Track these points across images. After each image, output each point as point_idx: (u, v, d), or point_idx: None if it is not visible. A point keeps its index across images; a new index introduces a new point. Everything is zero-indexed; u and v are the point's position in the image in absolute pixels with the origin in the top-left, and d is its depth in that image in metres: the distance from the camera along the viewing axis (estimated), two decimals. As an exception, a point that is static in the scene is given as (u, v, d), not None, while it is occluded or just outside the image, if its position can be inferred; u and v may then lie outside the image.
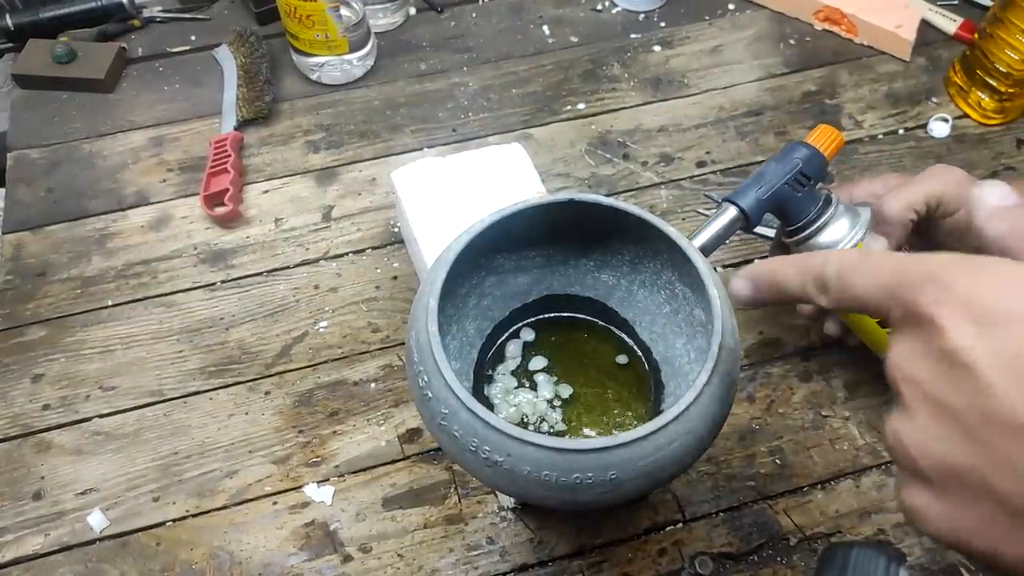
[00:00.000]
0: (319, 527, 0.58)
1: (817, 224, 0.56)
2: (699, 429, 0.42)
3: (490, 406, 0.53)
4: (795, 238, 0.57)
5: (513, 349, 0.56)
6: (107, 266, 0.72)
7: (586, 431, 0.53)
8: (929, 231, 0.55)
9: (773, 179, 0.55)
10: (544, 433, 0.51)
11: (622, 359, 0.55)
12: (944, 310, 0.27)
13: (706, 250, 0.55)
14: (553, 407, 0.54)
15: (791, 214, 0.56)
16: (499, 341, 0.57)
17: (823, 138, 0.59)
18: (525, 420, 0.53)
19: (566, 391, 0.54)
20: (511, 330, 0.57)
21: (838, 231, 0.56)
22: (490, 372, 0.55)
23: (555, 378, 0.55)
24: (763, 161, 0.77)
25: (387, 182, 0.75)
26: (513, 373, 0.55)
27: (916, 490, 0.30)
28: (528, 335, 0.56)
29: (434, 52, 0.87)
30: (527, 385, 0.54)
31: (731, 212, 0.55)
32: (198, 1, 0.91)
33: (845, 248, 0.55)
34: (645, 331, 0.56)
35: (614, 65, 0.86)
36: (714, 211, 0.56)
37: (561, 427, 0.53)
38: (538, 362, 0.55)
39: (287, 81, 0.85)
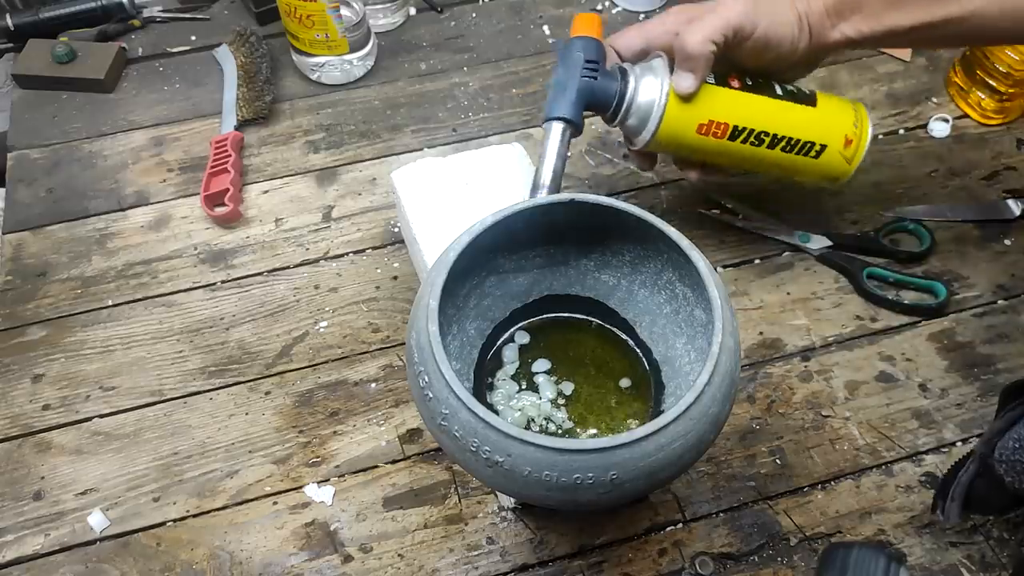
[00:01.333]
0: (319, 527, 0.58)
1: (627, 95, 0.57)
2: (699, 429, 0.42)
3: (494, 413, 0.53)
4: (618, 118, 0.58)
5: (510, 354, 0.56)
6: (107, 266, 0.72)
7: (591, 431, 0.53)
8: (731, 53, 0.56)
9: (570, 80, 0.57)
10: (552, 433, 0.51)
11: (625, 383, 0.55)
12: None
13: (557, 173, 0.57)
14: (557, 406, 0.54)
15: (602, 100, 0.58)
16: (499, 341, 0.57)
17: (584, 24, 0.60)
18: (531, 422, 0.53)
19: (568, 388, 0.54)
20: (508, 332, 0.57)
21: (649, 90, 0.57)
22: (491, 379, 0.55)
23: (555, 378, 0.55)
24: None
25: (387, 182, 0.75)
26: (513, 377, 0.55)
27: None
28: (523, 338, 0.56)
29: (434, 52, 0.87)
30: (528, 388, 0.54)
31: (558, 127, 0.57)
32: (198, 1, 0.91)
33: (662, 101, 0.57)
34: (645, 331, 0.56)
35: (614, 65, 0.86)
36: (543, 137, 0.58)
37: (568, 424, 0.53)
38: (541, 365, 0.55)
39: (287, 81, 0.85)
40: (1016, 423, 0.49)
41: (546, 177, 0.56)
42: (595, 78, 0.57)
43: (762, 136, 0.59)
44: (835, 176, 0.63)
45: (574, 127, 0.57)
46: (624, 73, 0.58)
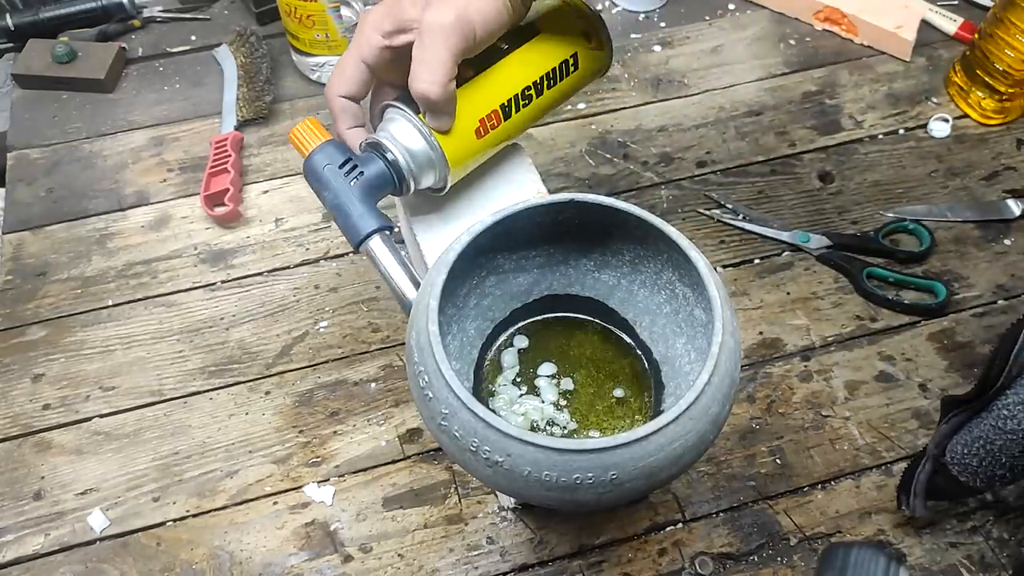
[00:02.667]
0: (319, 527, 0.58)
1: (400, 163, 0.52)
2: (699, 429, 0.42)
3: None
4: (411, 185, 0.53)
5: (509, 359, 0.56)
6: (107, 266, 0.72)
7: (593, 432, 0.53)
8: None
9: (343, 194, 0.51)
10: (556, 436, 0.51)
11: (619, 392, 0.55)
12: None
13: (414, 279, 0.51)
14: (559, 409, 0.54)
15: (382, 186, 0.52)
16: (498, 343, 0.57)
17: (307, 135, 0.54)
18: (535, 426, 0.53)
19: (568, 384, 0.54)
20: (507, 335, 0.57)
21: (412, 142, 0.52)
22: (491, 386, 0.55)
23: (556, 380, 0.55)
24: (762, 161, 0.78)
25: (387, 182, 0.75)
26: (514, 382, 0.55)
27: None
28: (522, 342, 0.56)
29: (434, 52, 0.87)
30: (530, 392, 0.54)
31: (376, 242, 0.51)
32: (198, 1, 0.91)
33: (432, 140, 0.52)
34: (645, 331, 0.56)
35: (614, 65, 0.86)
36: (372, 260, 0.52)
37: (572, 426, 0.53)
38: (547, 368, 0.55)
39: (287, 81, 0.85)
40: (960, 429, 0.53)
41: (408, 289, 0.51)
42: (361, 173, 0.51)
43: (527, 93, 0.56)
44: (601, 67, 0.61)
45: (388, 229, 0.52)
46: (378, 145, 0.52)
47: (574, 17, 0.59)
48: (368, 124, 0.55)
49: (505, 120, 0.56)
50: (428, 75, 0.49)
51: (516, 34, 0.56)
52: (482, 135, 0.55)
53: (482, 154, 0.57)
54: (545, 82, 0.57)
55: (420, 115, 0.52)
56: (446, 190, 0.56)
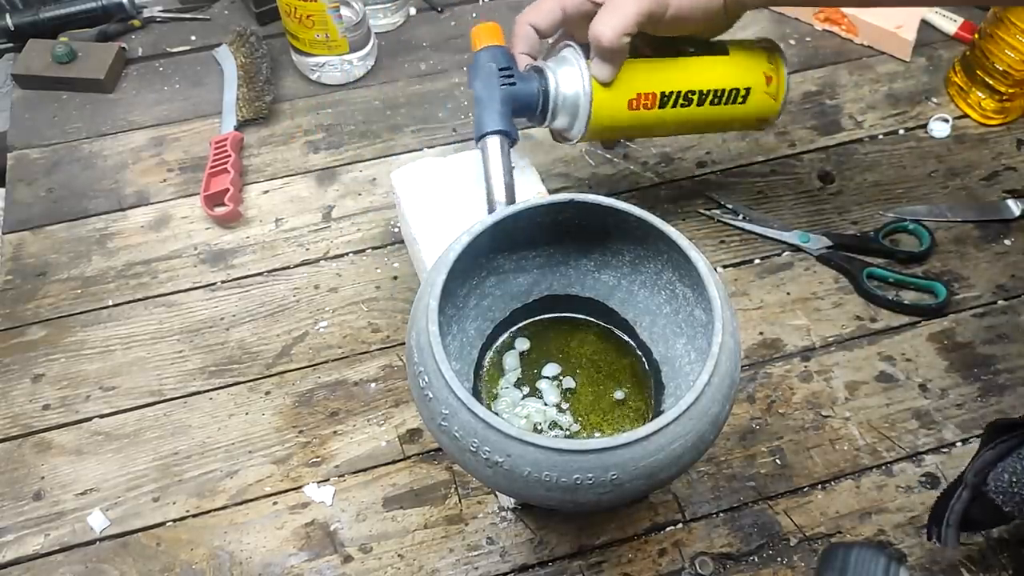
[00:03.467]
0: (319, 527, 0.58)
1: (551, 91, 0.56)
2: (699, 429, 0.42)
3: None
4: (548, 117, 0.58)
5: (511, 361, 0.56)
6: (107, 266, 0.72)
7: (595, 432, 0.53)
8: (645, 31, 0.55)
9: (490, 92, 0.56)
10: (558, 438, 0.51)
11: (619, 393, 0.55)
12: None
13: (509, 186, 0.56)
14: (561, 411, 0.54)
15: (527, 103, 0.57)
16: (498, 343, 0.57)
17: (486, 35, 0.58)
18: (538, 429, 0.53)
19: (569, 383, 0.54)
20: (507, 335, 0.57)
21: (570, 81, 0.56)
22: (494, 389, 0.55)
23: (558, 380, 0.55)
24: (762, 161, 0.78)
25: (387, 182, 0.75)
26: (516, 385, 0.55)
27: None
28: (523, 345, 0.56)
29: (434, 52, 0.87)
30: (532, 394, 0.54)
31: (494, 140, 0.56)
32: (198, 1, 0.91)
33: (587, 89, 0.56)
34: (645, 331, 0.56)
35: (614, 65, 0.86)
36: (480, 155, 0.57)
37: (575, 427, 0.53)
38: (551, 369, 0.55)
39: (287, 81, 0.85)
40: (1008, 455, 0.49)
41: (499, 194, 0.55)
42: (513, 83, 0.56)
43: (690, 96, 0.59)
44: (765, 116, 0.63)
45: (509, 137, 0.56)
46: (540, 71, 0.57)
47: (764, 59, 0.61)
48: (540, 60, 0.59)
49: (659, 108, 0.58)
50: (609, 19, 0.53)
51: (706, 45, 0.60)
52: (632, 108, 0.58)
53: (623, 127, 0.59)
54: (710, 96, 0.59)
55: (588, 61, 0.56)
56: (574, 142, 0.60)
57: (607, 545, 0.57)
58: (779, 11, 0.89)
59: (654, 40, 0.58)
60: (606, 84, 0.56)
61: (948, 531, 0.52)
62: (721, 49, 0.61)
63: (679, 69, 0.59)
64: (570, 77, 0.56)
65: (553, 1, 0.57)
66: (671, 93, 0.58)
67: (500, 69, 0.56)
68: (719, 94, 0.60)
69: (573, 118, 0.58)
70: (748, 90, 0.60)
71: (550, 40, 0.60)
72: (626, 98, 0.57)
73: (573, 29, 0.58)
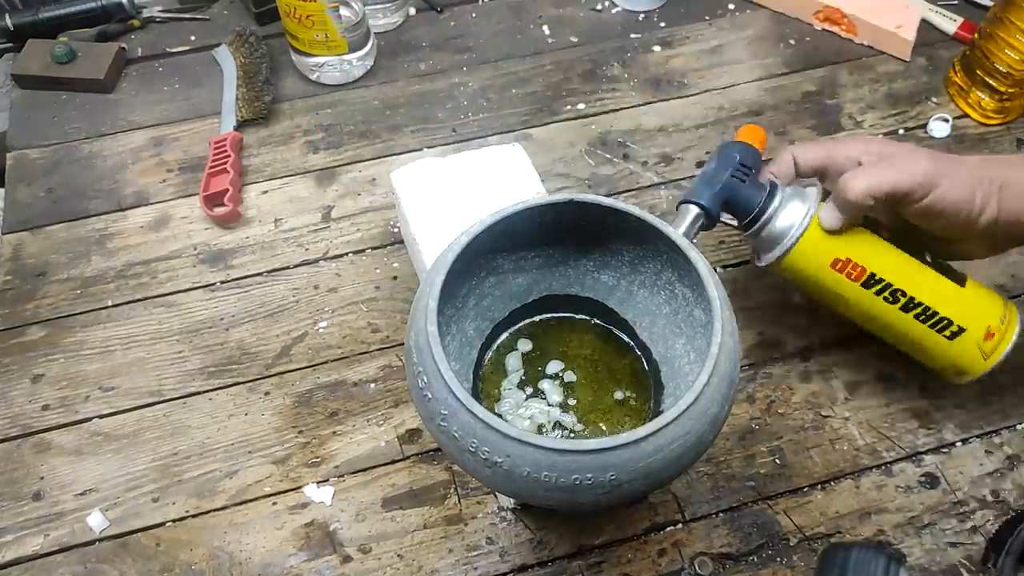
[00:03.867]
0: (319, 527, 0.58)
1: (768, 211, 0.56)
2: (699, 429, 0.42)
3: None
4: (752, 230, 0.57)
5: (514, 362, 0.56)
6: (107, 266, 0.72)
7: (596, 433, 0.53)
8: (895, 206, 0.53)
9: (719, 174, 0.56)
10: (563, 438, 0.51)
11: (618, 394, 0.55)
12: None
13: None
14: (565, 411, 0.54)
15: (742, 205, 0.56)
16: (499, 343, 0.57)
17: (749, 134, 0.61)
18: (543, 430, 0.53)
19: (570, 377, 0.54)
20: (506, 335, 0.57)
21: (791, 215, 0.55)
22: (497, 390, 0.55)
23: (559, 379, 0.55)
24: (763, 161, 0.78)
25: (387, 182, 0.75)
26: (519, 386, 0.55)
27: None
28: (525, 346, 0.56)
29: (434, 52, 0.87)
30: (535, 395, 0.54)
31: (692, 210, 0.56)
32: (198, 1, 0.91)
33: (804, 224, 0.55)
34: (645, 331, 0.56)
35: (614, 65, 0.86)
36: (676, 217, 0.56)
37: (579, 427, 0.53)
38: (554, 366, 0.55)
39: (287, 81, 0.85)
40: None
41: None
42: (744, 181, 0.56)
43: (898, 294, 0.54)
44: (965, 368, 0.56)
45: (708, 217, 0.55)
46: (773, 189, 0.56)
47: (997, 313, 0.56)
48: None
49: (861, 285, 0.55)
50: (864, 175, 0.51)
51: (946, 268, 0.56)
52: (834, 268, 0.55)
53: (814, 280, 0.56)
54: (919, 308, 0.55)
55: (821, 203, 0.54)
56: (762, 264, 0.58)
57: (607, 545, 0.57)
58: (779, 11, 0.89)
59: (898, 228, 0.56)
60: (826, 231, 0.54)
61: (1007, 559, 0.52)
62: (958, 278, 0.56)
63: (903, 262, 0.55)
64: (795, 209, 0.55)
65: (824, 147, 0.56)
66: (881, 279, 0.54)
67: (741, 164, 0.56)
68: (928, 313, 0.55)
69: (774, 244, 0.56)
70: (962, 330, 0.55)
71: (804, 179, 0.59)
72: (835, 255, 0.55)
73: (829, 179, 0.57)
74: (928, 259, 0.56)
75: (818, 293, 0.58)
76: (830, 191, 0.55)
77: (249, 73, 0.82)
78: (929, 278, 0.55)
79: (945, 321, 0.55)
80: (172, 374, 0.65)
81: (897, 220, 0.55)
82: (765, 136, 0.62)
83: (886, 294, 0.55)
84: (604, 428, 0.53)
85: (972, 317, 0.55)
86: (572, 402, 0.54)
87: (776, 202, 0.56)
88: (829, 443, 0.62)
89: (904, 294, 0.55)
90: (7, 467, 0.61)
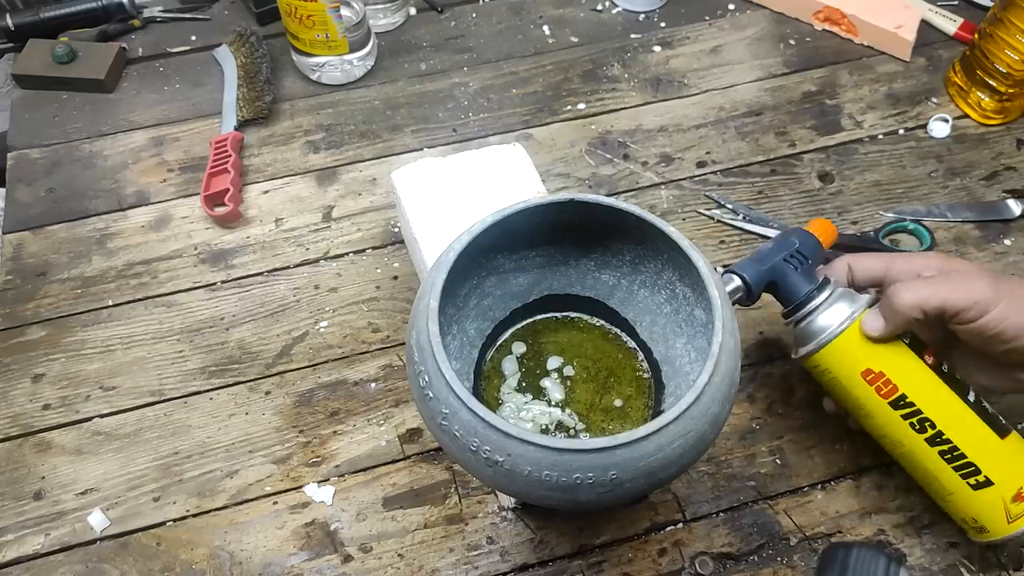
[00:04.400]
0: (319, 527, 0.58)
1: (812, 305, 0.54)
2: (699, 429, 0.42)
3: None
4: (792, 318, 0.55)
5: (510, 366, 0.56)
6: (107, 266, 0.72)
7: (597, 432, 0.53)
8: (948, 325, 0.51)
9: (772, 255, 0.55)
10: (559, 437, 0.51)
11: (619, 395, 0.55)
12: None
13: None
14: (566, 410, 0.54)
15: (787, 291, 0.55)
16: (499, 343, 0.57)
17: (818, 227, 0.60)
18: (546, 430, 0.53)
19: (569, 372, 0.55)
20: (506, 336, 0.57)
21: (835, 314, 0.53)
22: (498, 395, 0.55)
23: (559, 377, 0.55)
24: (762, 161, 0.78)
25: (387, 182, 0.75)
26: (518, 388, 0.55)
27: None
28: (519, 348, 0.57)
29: (434, 52, 0.87)
30: (536, 397, 0.54)
31: (734, 282, 0.54)
32: (198, 1, 0.91)
33: (844, 324, 0.52)
34: (645, 331, 0.56)
35: (614, 65, 0.86)
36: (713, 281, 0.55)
37: (581, 427, 0.53)
38: (554, 362, 0.55)
39: (287, 81, 0.85)
40: None
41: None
42: (795, 268, 0.55)
43: (927, 424, 0.51)
44: (985, 524, 0.52)
45: (747, 292, 0.54)
46: (825, 283, 0.54)
47: None
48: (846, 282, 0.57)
49: (888, 403, 0.52)
50: (916, 287, 0.50)
51: (988, 412, 0.52)
52: (864, 378, 0.53)
53: (841, 383, 0.54)
54: (947, 447, 0.51)
55: (868, 308, 0.53)
56: (792, 355, 0.57)
57: (607, 545, 0.57)
58: (779, 11, 0.90)
59: (948, 358, 0.53)
60: (867, 336, 0.52)
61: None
62: (1000, 428, 0.52)
63: (940, 392, 0.51)
64: (840, 310, 0.53)
65: (883, 259, 0.55)
66: (912, 403, 0.51)
67: (798, 251, 0.55)
68: (956, 453, 0.51)
69: (811, 337, 0.54)
70: (988, 482, 0.51)
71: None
72: (869, 365, 0.52)
73: (884, 293, 0.54)
74: (971, 398, 0.52)
75: (845, 400, 0.55)
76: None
77: (250, 73, 0.82)
78: (966, 416, 0.51)
79: (972, 468, 0.51)
80: (173, 374, 0.65)
81: (953, 340, 0.53)
82: (836, 234, 0.61)
83: (914, 420, 0.51)
84: (605, 428, 0.53)
85: (1004, 471, 0.51)
86: (573, 401, 0.54)
87: (824, 296, 0.54)
88: (829, 443, 0.62)
89: (933, 426, 0.51)
90: (8, 467, 0.61)
